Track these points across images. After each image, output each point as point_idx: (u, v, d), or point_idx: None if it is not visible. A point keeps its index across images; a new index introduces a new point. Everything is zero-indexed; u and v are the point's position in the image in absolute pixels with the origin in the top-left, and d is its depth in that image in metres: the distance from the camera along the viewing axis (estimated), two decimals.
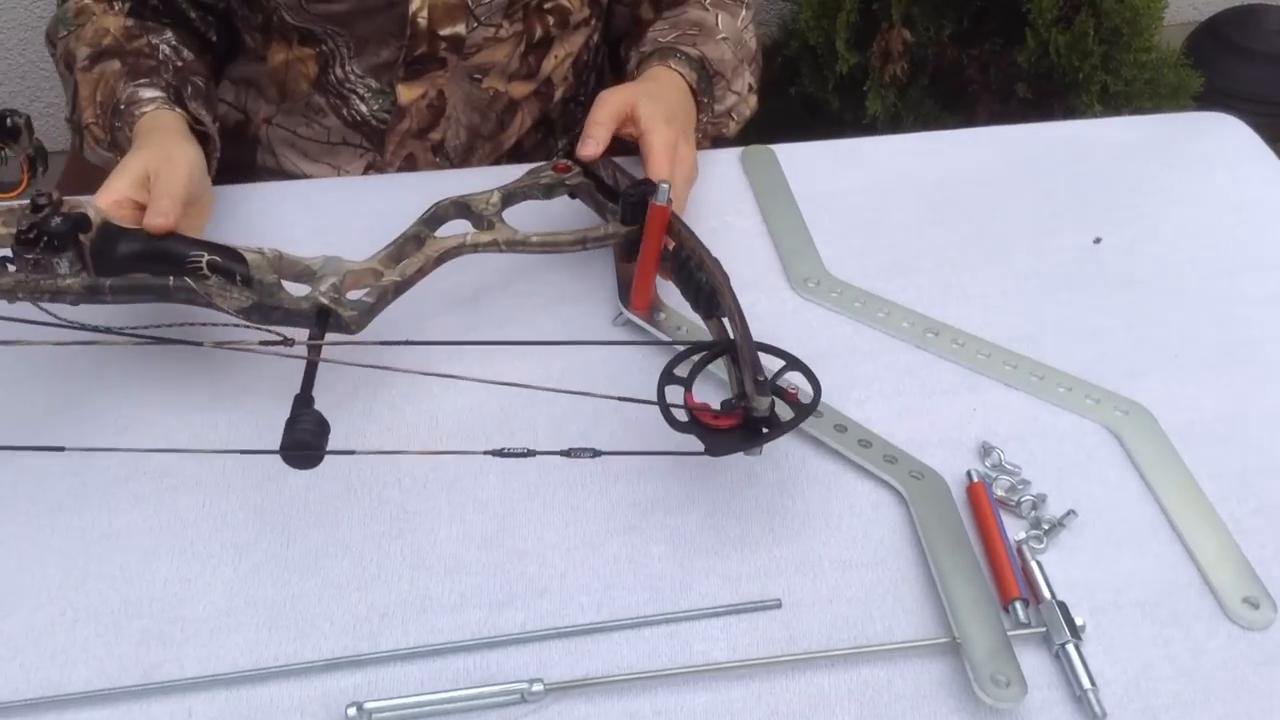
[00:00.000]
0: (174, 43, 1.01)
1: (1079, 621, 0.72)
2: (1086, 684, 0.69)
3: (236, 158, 1.10)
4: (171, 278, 0.78)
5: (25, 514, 0.78)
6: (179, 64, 1.00)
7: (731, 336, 0.79)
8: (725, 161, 1.09)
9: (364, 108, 1.09)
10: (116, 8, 1.02)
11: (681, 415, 0.75)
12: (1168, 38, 1.73)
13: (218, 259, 0.79)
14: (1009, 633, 0.71)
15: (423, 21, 1.02)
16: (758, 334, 0.81)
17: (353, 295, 0.81)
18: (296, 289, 0.81)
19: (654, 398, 0.76)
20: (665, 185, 0.85)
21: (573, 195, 0.93)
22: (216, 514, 0.79)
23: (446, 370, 0.79)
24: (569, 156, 0.93)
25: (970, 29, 1.66)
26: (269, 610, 0.73)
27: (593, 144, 0.92)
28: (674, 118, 0.96)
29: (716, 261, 0.83)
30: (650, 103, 0.95)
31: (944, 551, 0.75)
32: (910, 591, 0.75)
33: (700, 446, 0.74)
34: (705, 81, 1.04)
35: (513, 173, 1.11)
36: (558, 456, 0.73)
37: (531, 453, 0.71)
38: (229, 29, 1.10)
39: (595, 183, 0.91)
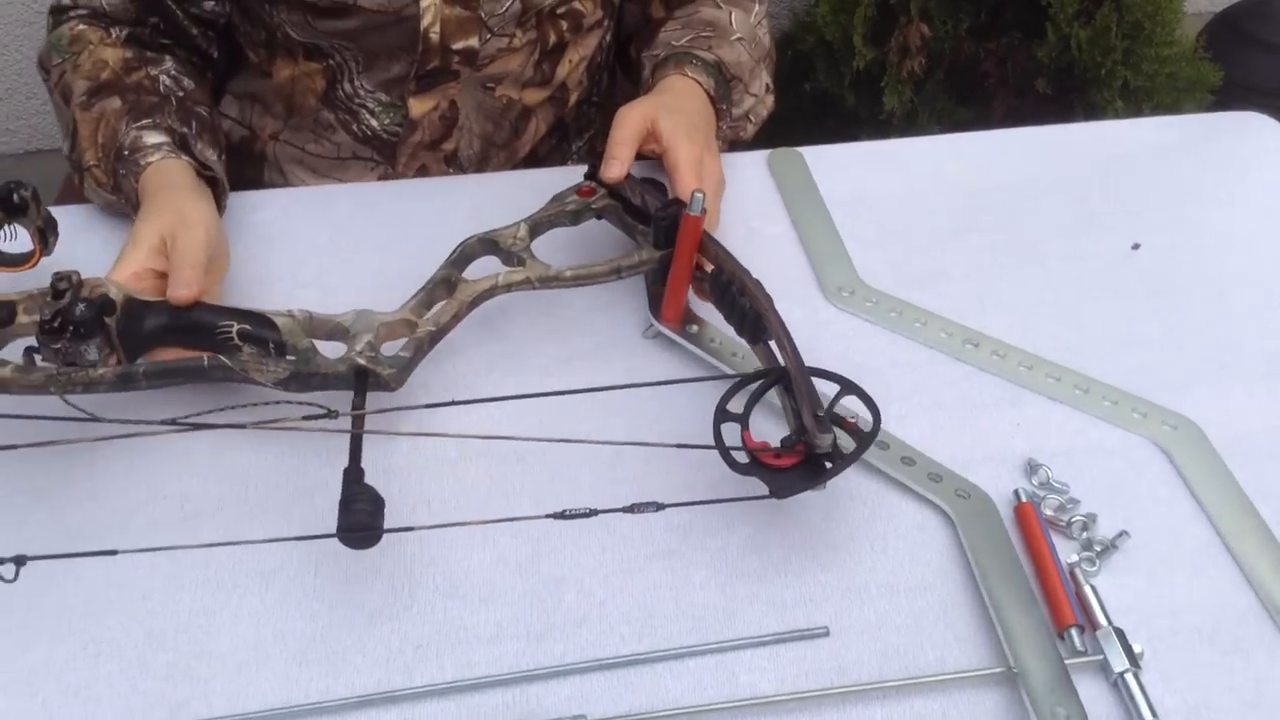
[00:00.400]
0: (174, 72, 0.98)
1: (1137, 649, 0.70)
2: (1148, 716, 0.67)
3: (242, 175, 1.06)
4: (206, 357, 0.75)
5: (41, 544, 0.75)
6: (180, 94, 0.96)
7: (781, 363, 0.77)
8: (751, 165, 1.06)
9: (374, 122, 1.06)
10: (114, 35, 0.98)
11: (741, 456, 0.73)
12: (1183, 30, 1.71)
13: (248, 327, 0.76)
14: (1066, 661, 0.69)
15: (435, 36, 0.99)
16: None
17: (389, 349, 0.79)
18: (331, 349, 0.78)
19: (690, 414, 0.73)
20: (699, 194, 0.82)
21: (599, 217, 0.90)
22: (240, 538, 0.76)
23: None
24: (592, 178, 0.90)
25: (987, 23, 1.63)
26: (298, 643, 0.71)
27: (617, 165, 0.89)
28: (696, 130, 0.93)
29: (759, 284, 0.80)
30: (670, 117, 0.92)
31: (996, 576, 0.73)
32: (961, 618, 0.73)
33: (761, 487, 0.72)
34: (723, 87, 1.01)
35: (529, 177, 1.09)
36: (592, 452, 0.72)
37: (594, 512, 0.68)
38: (231, 44, 1.06)
39: (622, 204, 0.89)
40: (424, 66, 1.01)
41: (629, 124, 0.91)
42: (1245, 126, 1.10)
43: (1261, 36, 1.91)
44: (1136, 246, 0.98)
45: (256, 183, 1.11)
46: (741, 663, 0.70)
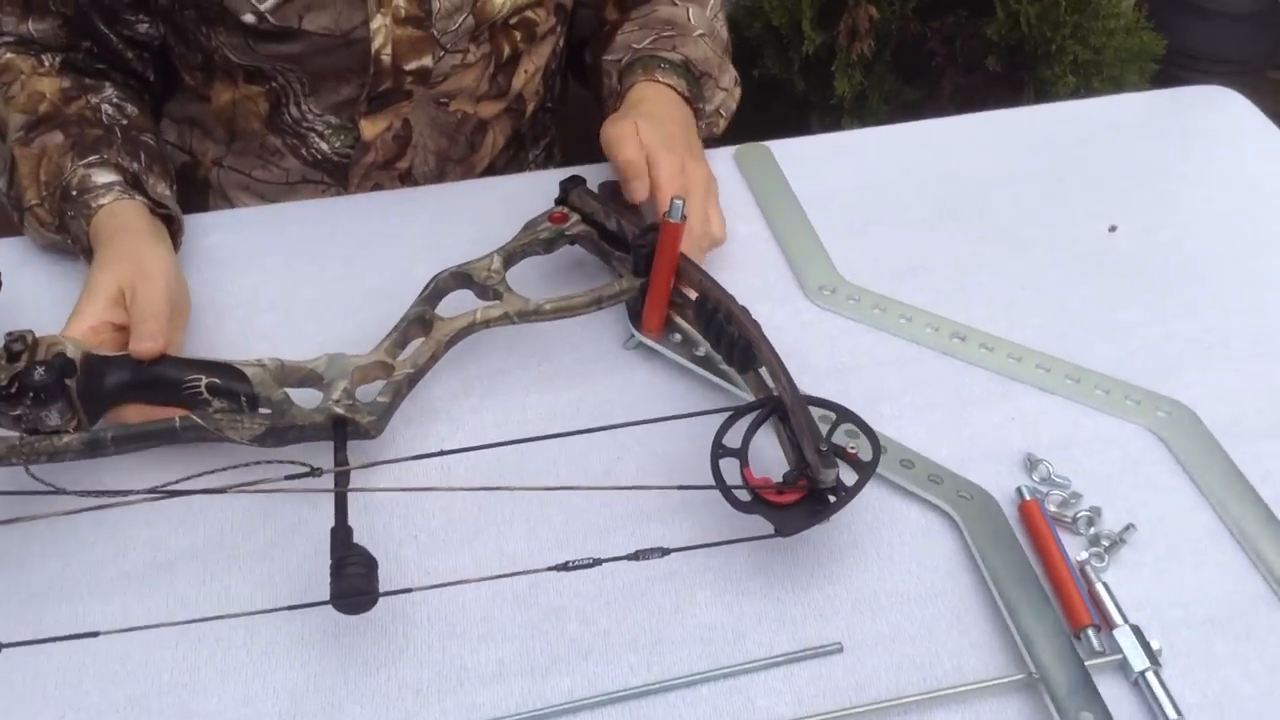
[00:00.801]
0: (116, 99, 0.92)
1: (1154, 645, 0.68)
2: (1173, 714, 0.65)
3: (187, 203, 0.99)
4: (178, 419, 0.71)
5: (7, 613, 0.71)
6: (124, 123, 0.91)
7: (775, 393, 0.74)
8: (718, 161, 1.02)
9: (324, 145, 1.02)
10: (47, 65, 0.92)
11: (743, 494, 0.70)
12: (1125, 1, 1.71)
13: (217, 380, 0.72)
14: (1086, 664, 0.67)
15: (386, 58, 0.94)
16: (778, 349, 0.76)
17: (365, 394, 0.75)
18: (307, 397, 0.74)
19: (686, 433, 0.71)
20: (679, 201, 0.79)
21: (573, 244, 0.87)
22: (219, 589, 0.72)
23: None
24: (563, 203, 0.87)
25: (931, 2, 1.62)
26: (290, 697, 0.67)
27: (641, 185, 0.86)
28: (673, 140, 0.90)
29: (745, 310, 0.78)
30: (648, 129, 0.89)
31: (1007, 578, 0.71)
32: (975, 624, 0.71)
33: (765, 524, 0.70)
34: (695, 86, 0.98)
35: (487, 185, 1.05)
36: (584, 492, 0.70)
37: (598, 562, 0.65)
38: (167, 65, 1.01)
39: (597, 230, 0.86)
40: (376, 88, 0.97)
41: (628, 139, 0.87)
42: (1211, 101, 1.10)
43: (1197, 3, 1.92)
44: (1114, 229, 0.97)
45: (201, 211, 1.05)
46: (756, 686, 0.68)
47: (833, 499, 0.70)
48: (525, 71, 1.05)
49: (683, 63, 0.98)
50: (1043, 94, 1.62)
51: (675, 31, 1.01)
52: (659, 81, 0.96)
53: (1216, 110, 1.09)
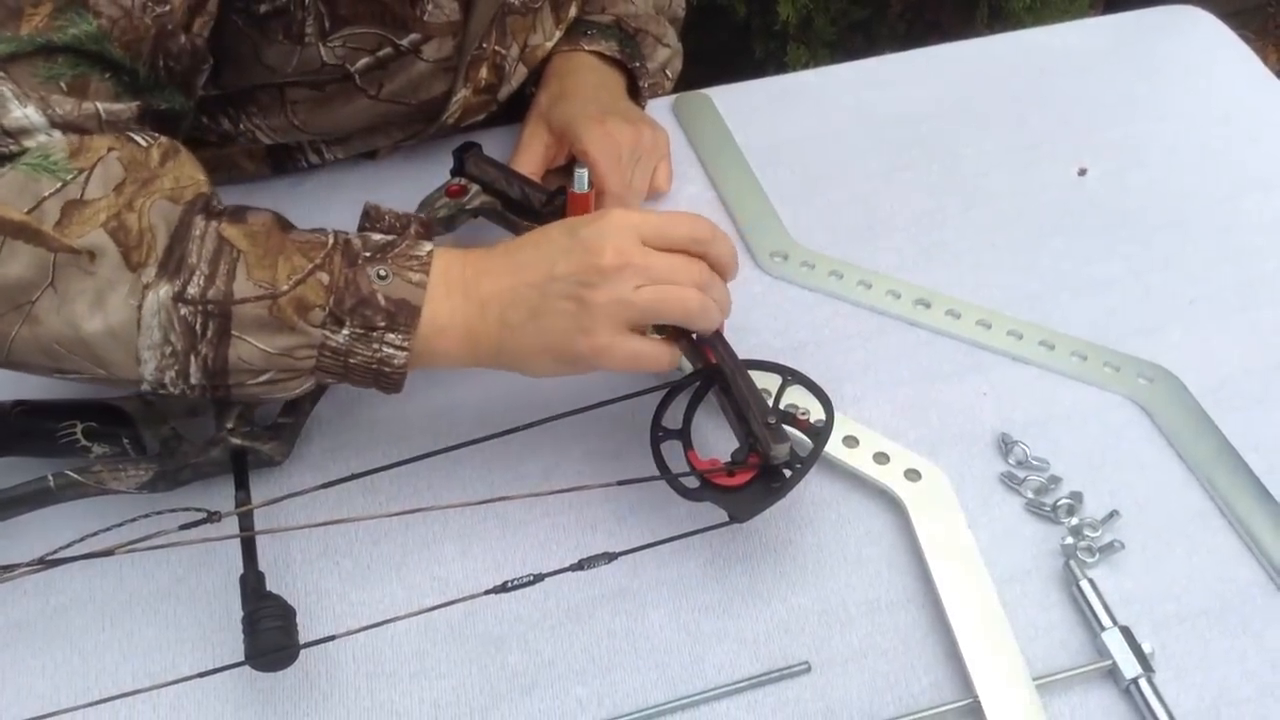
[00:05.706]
0: None
1: (1147, 648, 0.63)
2: None
3: None
4: (51, 477, 0.62)
5: None
6: None
7: (712, 360, 0.67)
8: (654, 113, 0.94)
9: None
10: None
11: (691, 480, 0.64)
12: None
13: (94, 424, 0.64)
14: (1068, 673, 0.62)
15: (450, 122, 0.88)
16: (726, 325, 0.69)
17: (265, 414, 0.68)
18: (199, 427, 0.66)
19: (625, 413, 0.65)
20: (583, 171, 0.73)
21: (475, 216, 0.79)
22: (121, 635, 0.65)
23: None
24: (459, 174, 0.79)
25: None
26: None
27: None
28: (589, 104, 0.84)
29: None
30: (561, 109, 0.84)
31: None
32: (950, 634, 0.65)
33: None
34: (630, 44, 0.90)
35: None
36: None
37: (540, 578, 0.59)
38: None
39: (500, 199, 0.78)
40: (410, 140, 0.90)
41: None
42: (1178, 24, 1.02)
43: None
44: (1083, 172, 0.90)
45: None
46: (718, 715, 0.62)
47: (788, 473, 0.64)
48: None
49: (613, 23, 0.89)
50: (996, 10, 1.54)
51: None
52: (583, 49, 0.88)
53: (1185, 32, 1.01)
